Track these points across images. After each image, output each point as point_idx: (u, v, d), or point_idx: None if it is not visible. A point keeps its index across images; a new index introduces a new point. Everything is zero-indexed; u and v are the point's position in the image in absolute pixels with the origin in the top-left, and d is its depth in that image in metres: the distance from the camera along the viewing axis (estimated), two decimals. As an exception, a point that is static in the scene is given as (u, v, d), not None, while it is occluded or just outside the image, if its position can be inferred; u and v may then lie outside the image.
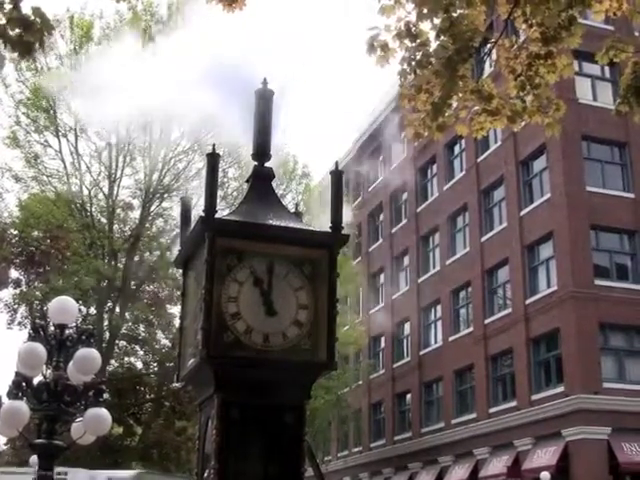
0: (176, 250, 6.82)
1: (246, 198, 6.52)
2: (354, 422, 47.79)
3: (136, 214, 38.10)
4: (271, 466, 5.78)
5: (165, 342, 39.87)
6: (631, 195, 34.15)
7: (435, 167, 44.63)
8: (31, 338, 9.85)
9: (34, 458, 13.87)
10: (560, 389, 31.49)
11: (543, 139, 31.61)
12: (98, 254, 36.23)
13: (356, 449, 49.79)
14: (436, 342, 42.29)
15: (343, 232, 6.20)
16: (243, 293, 5.87)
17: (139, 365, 41.73)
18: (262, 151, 6.57)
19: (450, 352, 39.69)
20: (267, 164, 6.59)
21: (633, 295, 32.21)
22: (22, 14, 6.65)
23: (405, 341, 46.22)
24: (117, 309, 37.15)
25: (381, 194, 50.57)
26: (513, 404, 34.33)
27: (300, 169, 40.90)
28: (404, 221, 47.59)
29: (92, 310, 37.46)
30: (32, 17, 6.69)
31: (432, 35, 7.97)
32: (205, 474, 5.91)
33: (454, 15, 7.73)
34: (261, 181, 6.54)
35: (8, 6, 6.63)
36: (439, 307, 42.23)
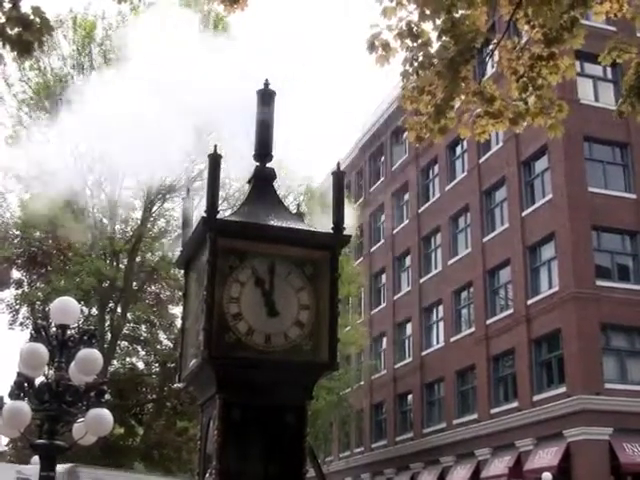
0: (178, 251, 6.82)
1: (247, 199, 6.52)
2: (356, 422, 47.78)
3: (138, 214, 38.08)
4: (272, 466, 5.79)
5: (167, 343, 39.86)
6: (633, 196, 34.13)
7: (437, 168, 44.63)
8: (33, 338, 9.85)
9: (35, 459, 13.87)
10: (562, 390, 31.47)
11: (545, 140, 31.59)
12: (100, 255, 36.21)
13: (358, 449, 49.77)
14: (438, 343, 42.27)
15: (345, 233, 6.21)
16: (245, 294, 5.87)
17: (141, 366, 41.71)
18: (263, 152, 6.57)
19: (452, 353, 39.68)
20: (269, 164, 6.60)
21: (635, 296, 32.18)
22: (21, 13, 6.65)
23: (407, 342, 46.21)
24: (119, 310, 37.13)
25: (383, 195, 50.56)
26: (515, 405, 34.32)
27: (302, 170, 40.91)
28: (406, 222, 47.59)
29: (94, 311, 37.44)
30: (31, 16, 6.69)
31: (434, 35, 7.97)
32: (207, 474, 5.92)
33: (456, 16, 7.73)
34: (262, 182, 6.55)
35: (7, 5, 6.62)
36: (441, 307, 42.22)
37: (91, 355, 9.81)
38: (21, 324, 37.10)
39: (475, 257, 38.72)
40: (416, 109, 8.36)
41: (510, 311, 35.76)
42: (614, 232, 33.58)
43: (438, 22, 7.76)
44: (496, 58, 8.72)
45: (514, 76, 8.36)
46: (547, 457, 30.99)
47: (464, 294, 40.42)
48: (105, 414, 9.66)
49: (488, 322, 37.01)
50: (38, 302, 35.67)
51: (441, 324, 42.18)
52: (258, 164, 6.58)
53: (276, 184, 6.67)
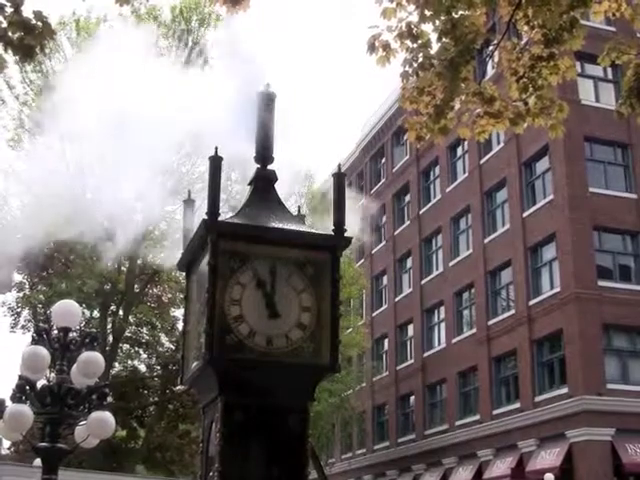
0: (179, 253, 6.82)
1: (249, 201, 6.53)
2: (358, 424, 47.75)
3: (139, 217, 38.05)
4: (275, 468, 5.78)
5: (168, 345, 39.89)
6: (634, 196, 34.14)
7: (438, 169, 44.64)
8: (34, 341, 9.86)
9: (38, 462, 13.87)
10: (564, 390, 31.47)
11: (545, 141, 31.62)
12: (101, 257, 36.21)
13: (360, 451, 49.77)
14: (439, 344, 42.28)
15: (346, 234, 6.21)
16: (246, 296, 5.87)
17: (143, 368, 41.75)
18: (264, 154, 6.58)
19: (453, 354, 39.68)
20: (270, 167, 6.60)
21: (636, 296, 32.18)
22: (23, 17, 6.67)
23: (408, 343, 46.21)
24: (120, 312, 37.15)
25: (383, 196, 50.57)
26: (517, 405, 34.32)
27: (303, 171, 40.84)
28: (407, 223, 47.60)
29: (95, 313, 37.46)
30: (33, 21, 6.70)
31: (434, 37, 7.97)
32: (209, 477, 5.92)
33: (455, 17, 7.73)
34: (263, 184, 6.55)
35: (9, 9, 6.64)
36: (442, 309, 42.22)
37: (93, 358, 9.82)
38: (23, 327, 37.16)
39: (476, 258, 38.72)
40: (416, 109, 8.37)
41: (511, 312, 35.76)
42: (615, 232, 33.58)
43: (438, 23, 7.77)
44: (496, 59, 8.73)
45: (514, 77, 8.37)
46: (549, 458, 30.99)
47: (465, 295, 40.42)
48: (107, 417, 9.67)
49: (490, 323, 37.01)
50: (40, 305, 35.70)
51: (442, 325, 42.19)
52: (259, 166, 6.59)
53: (277, 186, 6.68)
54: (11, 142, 35.95)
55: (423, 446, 41.31)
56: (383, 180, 51.58)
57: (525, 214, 35.49)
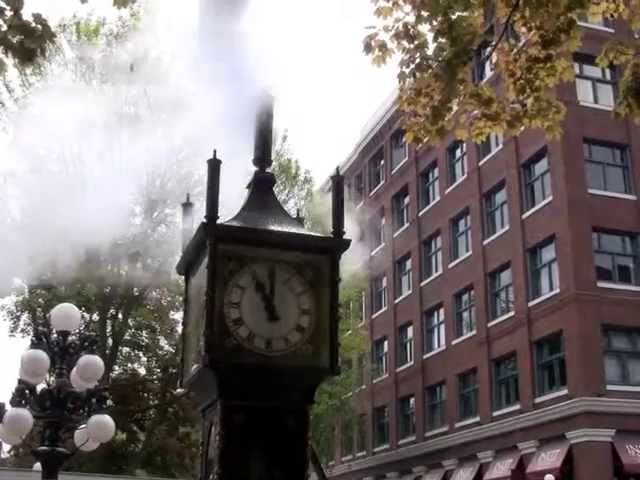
0: (178, 256, 6.82)
1: (247, 204, 6.53)
2: (358, 426, 47.69)
3: (138, 220, 38.08)
4: (275, 471, 5.78)
5: (168, 348, 39.89)
6: (633, 197, 34.15)
7: (437, 171, 44.65)
8: (34, 345, 9.86)
9: (37, 465, 13.87)
10: (564, 392, 31.47)
11: (544, 142, 31.63)
12: (100, 261, 36.22)
13: (360, 453, 49.74)
14: (439, 346, 42.27)
15: (345, 237, 6.22)
16: (245, 299, 5.87)
17: (142, 371, 41.75)
18: (263, 157, 6.58)
19: (453, 356, 39.68)
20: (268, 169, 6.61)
21: (635, 297, 32.19)
22: (23, 21, 6.66)
23: (408, 345, 46.21)
24: (120, 316, 37.14)
25: (382, 198, 50.58)
26: (517, 407, 34.31)
27: (302, 174, 40.87)
28: (406, 225, 47.61)
29: (95, 317, 37.47)
30: (33, 24, 6.70)
31: (430, 37, 7.98)
32: (209, 479, 5.92)
33: (452, 18, 7.73)
34: (262, 187, 6.56)
35: (9, 13, 6.64)
36: (442, 311, 42.21)
37: (92, 361, 9.83)
38: (22, 331, 37.15)
39: (476, 260, 38.73)
40: (414, 111, 8.38)
41: (511, 313, 35.76)
42: (614, 233, 33.59)
43: (435, 24, 7.77)
44: (494, 61, 8.73)
45: (511, 78, 8.38)
46: (549, 459, 30.98)
47: (465, 297, 40.42)
48: (107, 420, 9.67)
49: (489, 325, 37.01)
50: (39, 309, 35.69)
51: (442, 327, 42.18)
52: (257, 169, 6.60)
53: (276, 189, 6.68)
54: (11, 145, 35.94)
55: (423, 448, 41.29)
56: (382, 182, 51.58)
57: (524, 215, 35.50)
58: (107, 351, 34.68)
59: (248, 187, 6.70)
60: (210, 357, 5.67)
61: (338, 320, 6.08)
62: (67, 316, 10.31)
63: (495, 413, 35.76)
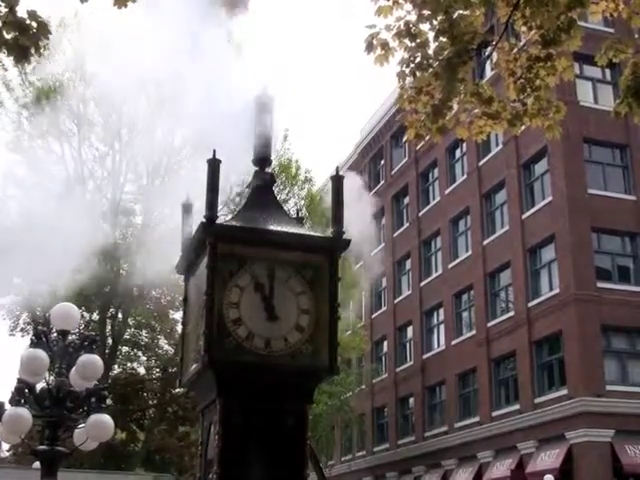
0: (178, 256, 6.82)
1: (247, 204, 6.53)
2: (357, 426, 47.72)
3: (138, 219, 38.07)
4: (274, 471, 5.78)
5: (167, 348, 39.89)
6: (632, 197, 34.14)
7: (436, 171, 44.64)
8: (33, 344, 9.86)
9: (37, 464, 13.86)
10: (563, 392, 31.46)
11: (544, 142, 31.63)
12: (100, 260, 36.19)
13: (360, 453, 49.74)
14: (439, 346, 42.26)
15: (344, 237, 6.22)
16: (244, 298, 5.87)
17: (142, 371, 41.74)
18: (263, 157, 6.58)
19: (453, 356, 39.67)
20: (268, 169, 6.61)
21: (635, 297, 32.18)
22: (17, 18, 6.64)
23: (408, 345, 46.20)
24: (120, 315, 37.12)
25: (382, 198, 50.57)
26: (516, 407, 34.30)
27: (302, 174, 40.84)
28: (406, 225, 47.61)
29: (95, 316, 37.44)
30: (28, 21, 6.68)
31: (432, 36, 7.97)
32: (208, 479, 5.92)
33: (453, 17, 7.73)
34: (262, 187, 6.56)
35: (4, 10, 6.61)
36: (441, 311, 42.21)
37: (92, 361, 9.83)
38: (22, 330, 37.11)
39: (475, 260, 38.72)
40: (414, 109, 8.37)
41: (511, 314, 35.75)
42: (614, 234, 33.57)
43: (435, 23, 7.76)
44: (494, 60, 8.73)
45: (512, 77, 8.37)
46: (549, 459, 30.98)
47: (465, 297, 40.41)
48: (106, 419, 9.67)
49: (489, 325, 37.01)
50: (39, 308, 35.66)
51: (442, 327, 42.17)
52: (257, 169, 6.59)
53: (276, 189, 6.68)
54: (10, 145, 35.91)
55: (423, 448, 41.29)
56: (382, 182, 51.57)
57: (524, 216, 35.48)
58: (107, 350, 34.66)
59: (248, 187, 6.71)
60: (209, 357, 5.68)
61: (338, 320, 6.08)
62: (67, 315, 10.31)
63: (495, 413, 35.75)
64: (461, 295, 40.56)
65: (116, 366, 38.99)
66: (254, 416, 5.77)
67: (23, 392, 9.49)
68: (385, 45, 8.21)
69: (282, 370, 5.89)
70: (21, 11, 6.64)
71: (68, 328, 10.35)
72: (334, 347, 5.98)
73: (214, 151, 6.12)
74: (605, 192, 33.81)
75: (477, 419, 37.04)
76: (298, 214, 7.32)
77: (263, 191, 6.56)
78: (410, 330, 45.64)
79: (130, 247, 37.01)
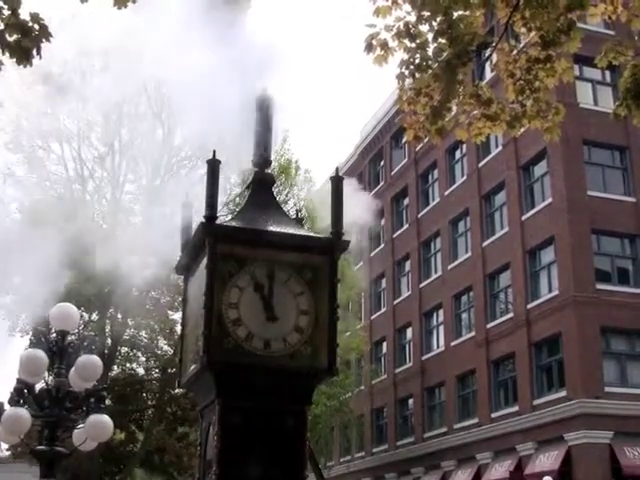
0: (177, 256, 6.82)
1: (247, 204, 6.53)
2: (356, 427, 47.70)
3: (138, 219, 38.03)
4: (273, 471, 5.78)
5: (167, 348, 39.81)
6: (632, 199, 34.14)
7: (436, 172, 44.64)
8: (33, 345, 9.86)
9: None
10: (562, 393, 31.45)
11: (544, 144, 31.58)
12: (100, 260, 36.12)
13: (358, 454, 49.72)
14: (438, 347, 42.26)
15: (344, 238, 6.22)
16: (244, 299, 5.87)
17: (141, 371, 41.67)
18: (262, 157, 6.58)
19: (452, 357, 39.67)
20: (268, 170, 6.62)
21: (634, 299, 32.18)
22: (20, 20, 6.65)
23: (407, 346, 46.20)
24: (119, 315, 37.08)
25: (382, 199, 50.55)
26: (515, 409, 34.30)
27: (302, 174, 40.85)
28: (405, 226, 47.61)
29: (94, 316, 37.40)
30: (30, 23, 6.69)
31: (431, 37, 7.97)
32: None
33: (452, 18, 7.73)
34: (261, 187, 6.56)
35: (6, 12, 6.63)
36: (441, 312, 42.20)
37: (91, 361, 9.82)
38: (21, 330, 37.06)
39: (475, 261, 38.73)
40: (413, 110, 8.37)
41: (510, 315, 35.75)
42: (614, 235, 33.58)
43: (434, 24, 7.77)
44: (494, 61, 8.73)
45: (511, 79, 8.38)
46: (548, 461, 30.97)
47: (464, 298, 40.40)
48: (105, 420, 9.67)
49: (488, 326, 37.01)
50: (38, 308, 35.59)
51: (441, 328, 42.16)
52: (257, 170, 6.60)
53: (276, 189, 6.69)
54: (10, 145, 35.90)
55: (422, 449, 41.28)
56: (382, 183, 51.56)
57: (524, 217, 35.49)
58: (106, 351, 34.63)
59: (247, 187, 6.71)
60: (208, 357, 5.67)
61: (337, 321, 6.08)
62: (66, 316, 10.31)
63: (494, 414, 35.75)
64: (460, 296, 40.55)
65: (115, 366, 38.94)
66: (253, 417, 5.77)
67: (22, 392, 9.49)
68: (385, 45, 8.22)
69: (281, 371, 5.89)
70: (23, 13, 6.67)
71: (67, 328, 10.35)
72: (333, 348, 5.98)
73: (214, 151, 6.12)
74: (605, 194, 33.82)
75: (476, 420, 37.04)
76: (297, 215, 7.32)
77: (263, 192, 6.56)
78: (409, 331, 45.64)
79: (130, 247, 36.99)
